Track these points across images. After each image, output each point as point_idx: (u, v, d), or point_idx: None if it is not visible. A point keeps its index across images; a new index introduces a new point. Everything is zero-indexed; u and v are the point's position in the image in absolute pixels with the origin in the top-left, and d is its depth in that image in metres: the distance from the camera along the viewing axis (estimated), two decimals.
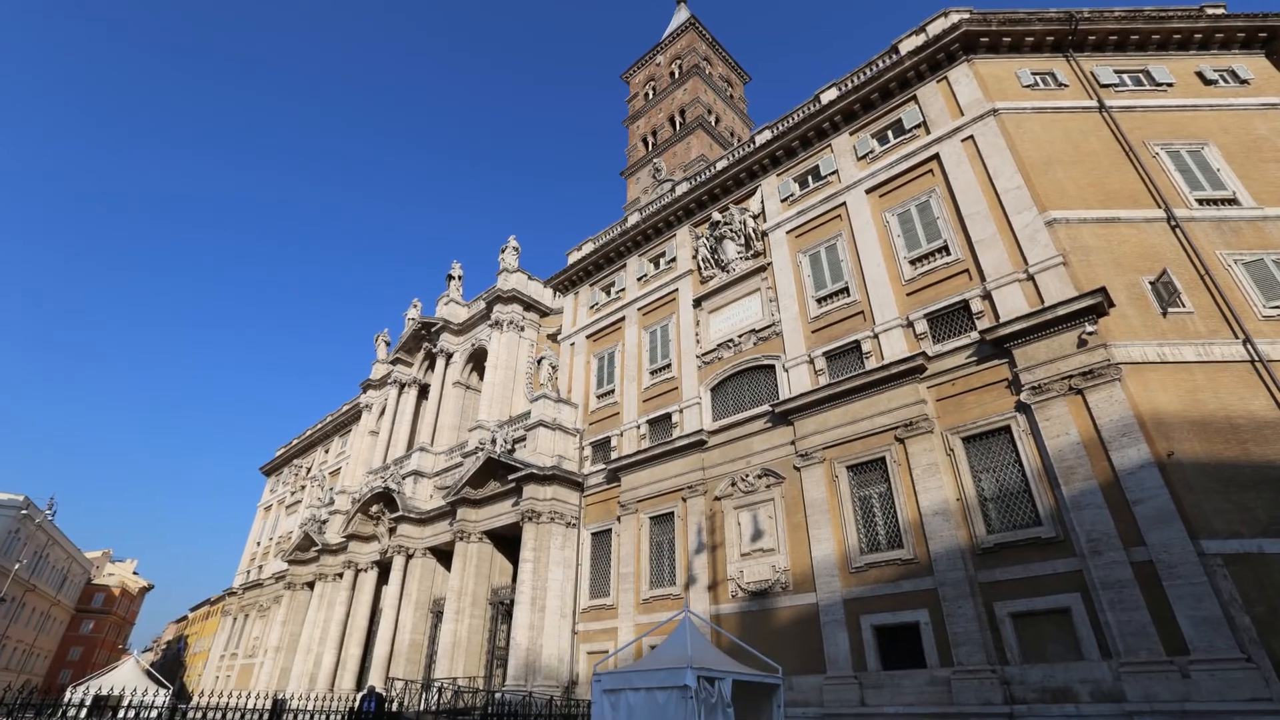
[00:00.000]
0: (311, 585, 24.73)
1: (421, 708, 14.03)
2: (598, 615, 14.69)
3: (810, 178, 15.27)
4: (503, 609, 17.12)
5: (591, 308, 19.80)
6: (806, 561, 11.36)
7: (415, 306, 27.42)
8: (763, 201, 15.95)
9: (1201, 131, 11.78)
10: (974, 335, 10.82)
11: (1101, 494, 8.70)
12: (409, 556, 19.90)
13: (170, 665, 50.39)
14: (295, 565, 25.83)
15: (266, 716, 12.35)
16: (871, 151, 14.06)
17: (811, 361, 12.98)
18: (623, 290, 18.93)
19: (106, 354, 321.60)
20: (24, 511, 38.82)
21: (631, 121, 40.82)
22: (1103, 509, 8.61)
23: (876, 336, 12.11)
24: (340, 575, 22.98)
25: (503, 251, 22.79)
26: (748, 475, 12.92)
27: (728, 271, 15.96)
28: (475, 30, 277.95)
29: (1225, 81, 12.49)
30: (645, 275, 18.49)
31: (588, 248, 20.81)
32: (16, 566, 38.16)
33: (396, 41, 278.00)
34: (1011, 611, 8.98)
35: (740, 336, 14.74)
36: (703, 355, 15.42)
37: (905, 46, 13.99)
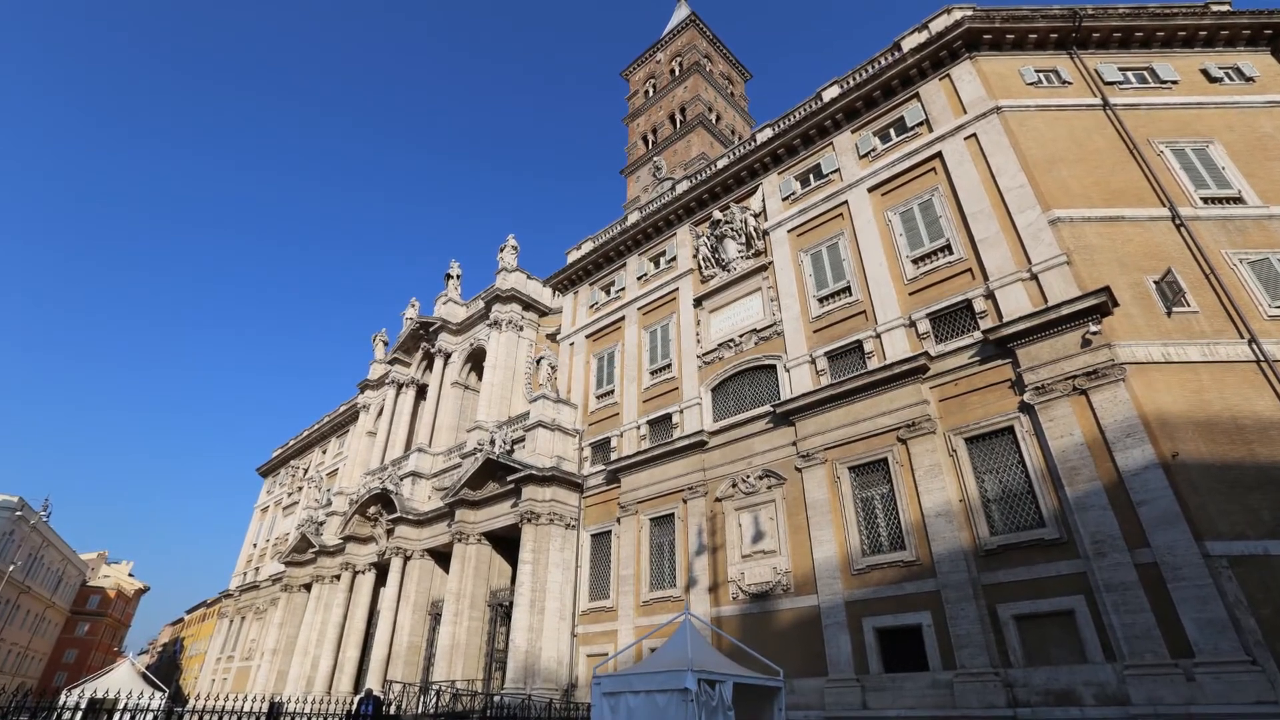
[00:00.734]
0: (309, 587, 24.55)
1: (419, 711, 13.93)
2: (597, 617, 14.58)
3: (812, 176, 15.17)
4: (501, 611, 17.01)
5: (591, 307, 19.68)
6: (808, 563, 11.28)
7: (413, 306, 27.26)
8: (764, 200, 15.85)
9: (1206, 129, 11.72)
10: (977, 335, 10.75)
11: (1105, 495, 8.64)
12: (407, 558, 19.77)
13: (166, 668, 50.19)
14: (292, 567, 25.66)
15: None
16: (874, 149, 13.98)
17: (813, 361, 12.89)
18: (623, 289, 18.82)
19: (102, 354, 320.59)
20: (18, 513, 38.58)
21: (631, 119, 40.65)
22: (1107, 510, 8.56)
23: (878, 336, 12.02)
24: (338, 577, 22.82)
25: (501, 250, 22.65)
26: (749, 476, 12.83)
27: (728, 271, 15.86)
28: (473, 28, 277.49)
29: (1230, 79, 12.43)
30: (645, 274, 18.38)
31: (587, 246, 20.69)
32: (11, 568, 37.92)
33: (394, 39, 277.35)
34: (1015, 614, 8.92)
35: (741, 336, 14.65)
36: (703, 355, 15.32)
37: (908, 44, 13.91)
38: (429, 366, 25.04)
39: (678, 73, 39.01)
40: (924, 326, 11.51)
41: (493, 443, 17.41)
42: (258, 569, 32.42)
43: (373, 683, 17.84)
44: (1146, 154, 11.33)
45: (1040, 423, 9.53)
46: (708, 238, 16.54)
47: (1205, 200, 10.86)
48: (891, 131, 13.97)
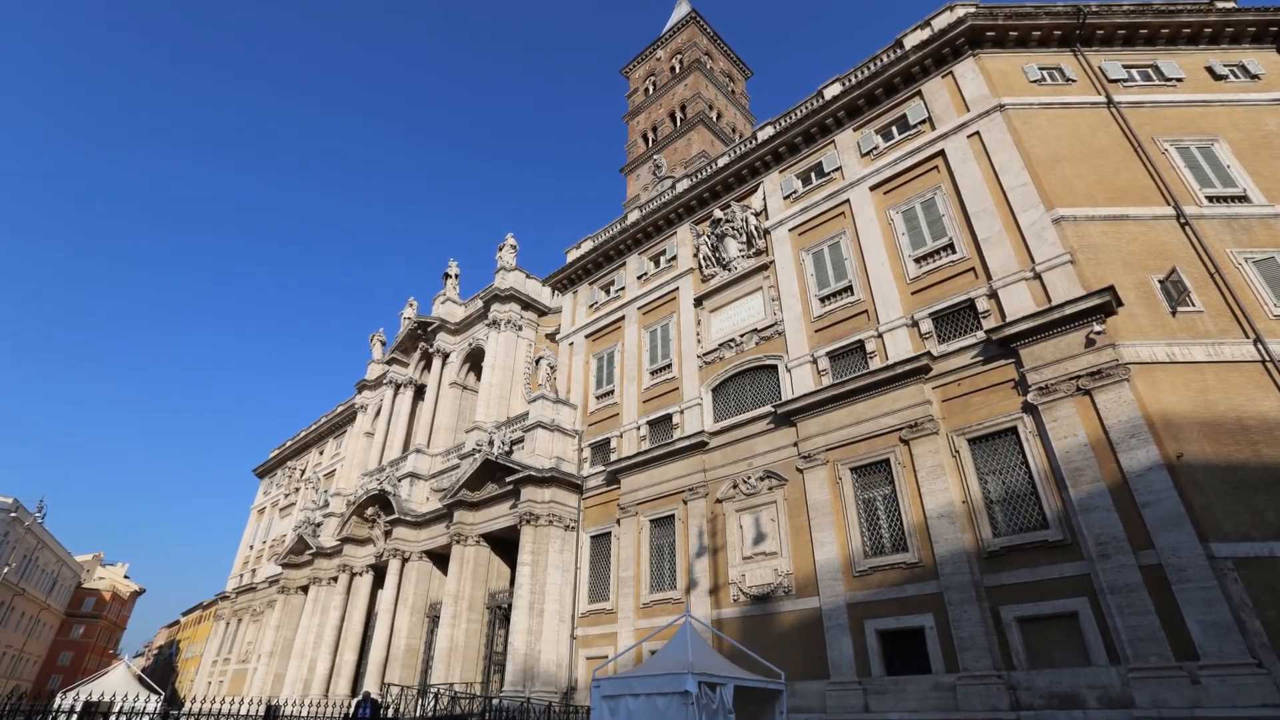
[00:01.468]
0: (306, 589, 24.40)
1: (418, 713, 13.84)
2: (597, 620, 14.49)
3: (813, 174, 15.08)
4: (500, 613, 16.90)
5: (591, 307, 19.56)
6: (809, 565, 11.20)
7: (411, 306, 27.10)
8: (765, 199, 15.75)
9: (1211, 127, 11.65)
10: (980, 335, 10.68)
11: (1110, 496, 8.58)
12: (405, 560, 19.64)
13: (162, 671, 49.92)
14: (289, 569, 25.53)
15: None
16: (876, 148, 13.89)
17: (814, 361, 12.81)
18: (622, 289, 18.71)
19: (97, 353, 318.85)
20: (13, 514, 38.29)
21: (631, 117, 40.49)
22: (1111, 511, 8.50)
23: (881, 336, 11.94)
24: (335, 579, 22.68)
25: (500, 249, 22.51)
26: (749, 477, 12.74)
27: (729, 270, 15.76)
28: (471, 25, 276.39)
29: (1235, 77, 12.37)
30: (645, 274, 18.26)
31: (587, 245, 20.56)
32: (5, 570, 37.65)
33: (394, 38, 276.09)
34: (1018, 616, 8.86)
35: (742, 336, 14.55)
36: (704, 355, 15.22)
37: (910, 41, 13.82)
38: (427, 366, 24.90)
39: (678, 70, 38.86)
40: (926, 326, 11.44)
41: (491, 443, 17.29)
42: (254, 571, 32.24)
43: (370, 685, 17.70)
44: (1151, 152, 11.27)
45: (1044, 423, 9.47)
46: (708, 237, 16.43)
47: (1210, 199, 10.79)
48: (894, 129, 13.88)
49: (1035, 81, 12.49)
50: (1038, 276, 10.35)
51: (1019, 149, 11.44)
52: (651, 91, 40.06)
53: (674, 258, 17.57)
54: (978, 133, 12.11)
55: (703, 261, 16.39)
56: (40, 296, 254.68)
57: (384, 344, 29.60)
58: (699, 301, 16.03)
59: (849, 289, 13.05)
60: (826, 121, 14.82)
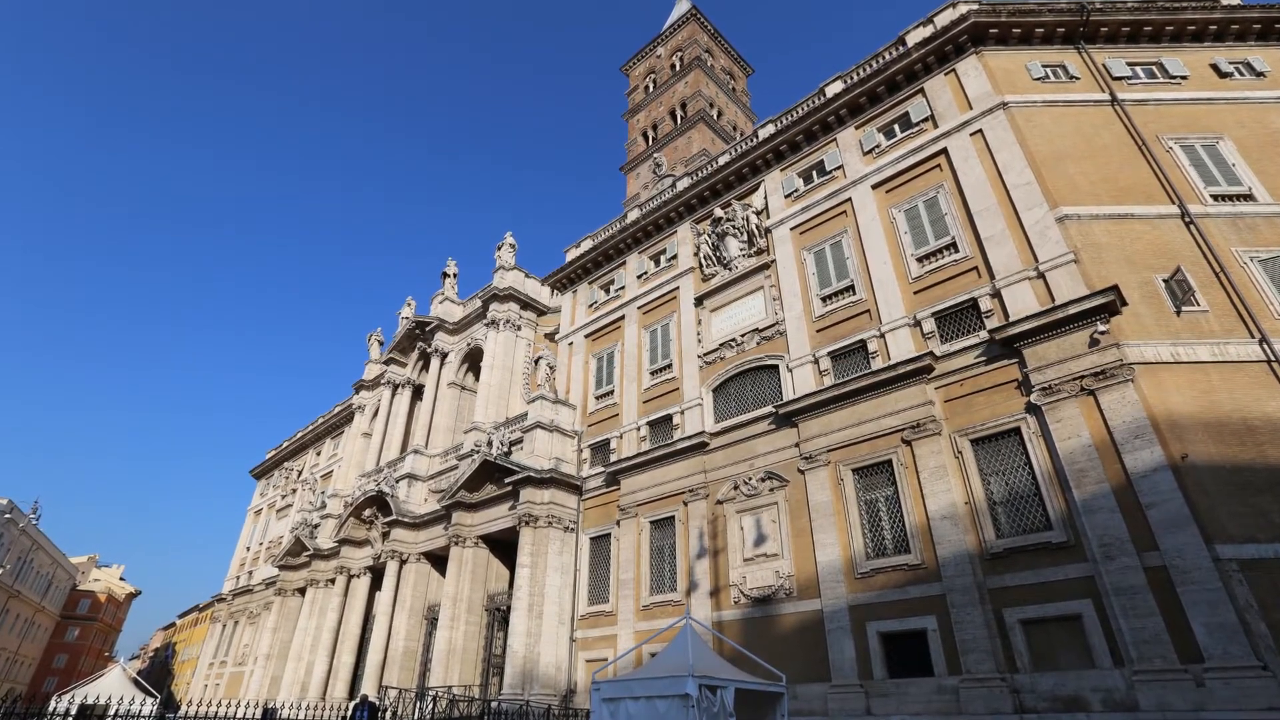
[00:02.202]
0: (303, 591, 24.27)
1: (416, 716, 13.70)
2: (596, 622, 14.39)
3: (815, 173, 14.97)
4: (499, 616, 16.79)
5: (590, 306, 19.43)
6: (811, 567, 11.12)
7: (409, 305, 26.94)
8: (766, 197, 15.64)
9: (1217, 125, 11.57)
10: (983, 334, 10.60)
11: (1114, 497, 8.51)
12: (403, 562, 19.51)
13: (158, 673, 49.68)
14: (286, 571, 25.38)
15: None
16: (878, 146, 13.79)
17: (816, 361, 12.71)
18: (622, 288, 18.59)
19: (92, 353, 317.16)
20: (7, 515, 37.99)
21: (631, 115, 40.29)
22: (1115, 513, 8.43)
23: (883, 336, 11.85)
24: (332, 581, 22.54)
25: (499, 248, 22.37)
26: (750, 478, 12.65)
27: (730, 269, 15.65)
28: (470, 22, 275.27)
29: (1241, 74, 12.29)
30: (645, 273, 18.14)
31: (586, 244, 20.42)
32: (0, 572, 37.29)
33: (392, 34, 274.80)
34: (1021, 618, 8.79)
35: (743, 336, 14.45)
36: (704, 355, 15.12)
37: (912, 38, 13.72)
38: (425, 367, 24.75)
39: (678, 67, 38.65)
40: (929, 326, 11.35)
41: (490, 444, 17.15)
42: (251, 573, 32.06)
43: (368, 688, 17.57)
44: (1155, 150, 11.18)
45: (1047, 424, 9.39)
46: (709, 235, 16.31)
47: (1215, 197, 10.71)
48: (896, 127, 13.78)
49: (1039, 79, 12.41)
50: (1041, 276, 10.27)
51: (1022, 147, 11.35)
52: (652, 89, 39.85)
53: (674, 257, 17.46)
54: (980, 131, 12.02)
55: (703, 260, 16.29)
56: (32, 295, 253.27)
57: (382, 344, 29.42)
58: (699, 301, 15.92)
59: (851, 288, 12.96)
60: (828, 119, 14.72)
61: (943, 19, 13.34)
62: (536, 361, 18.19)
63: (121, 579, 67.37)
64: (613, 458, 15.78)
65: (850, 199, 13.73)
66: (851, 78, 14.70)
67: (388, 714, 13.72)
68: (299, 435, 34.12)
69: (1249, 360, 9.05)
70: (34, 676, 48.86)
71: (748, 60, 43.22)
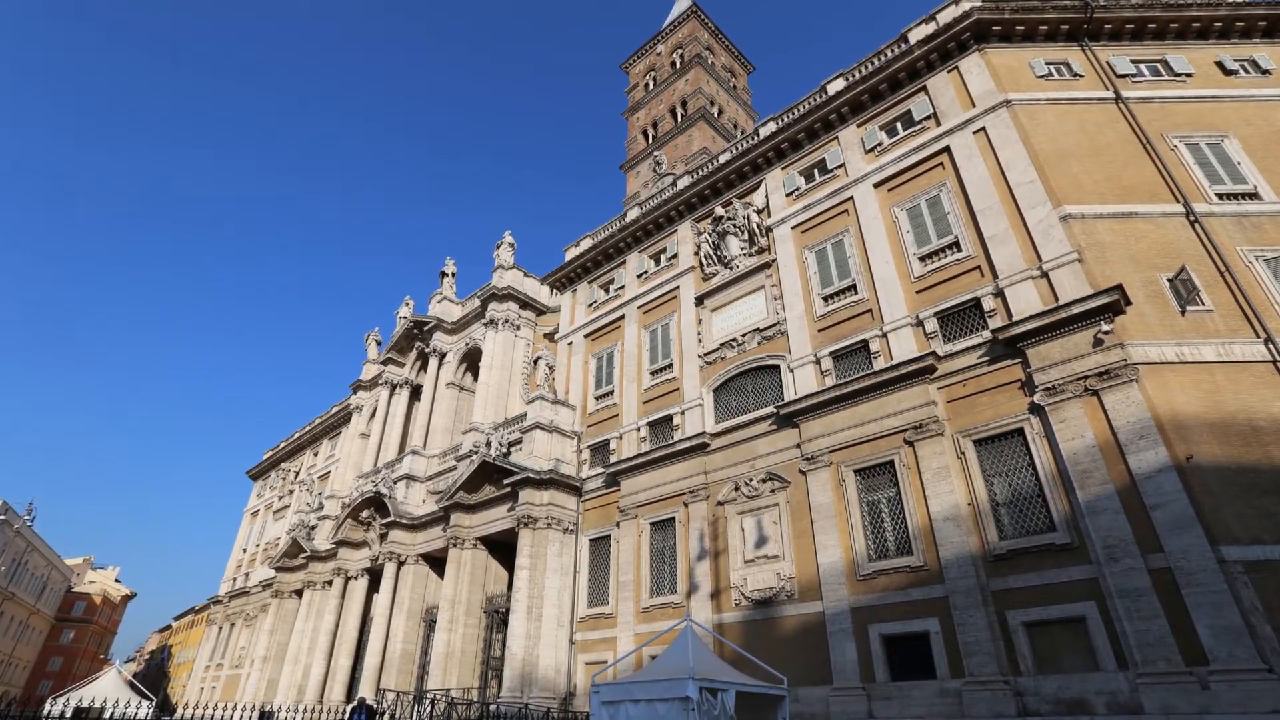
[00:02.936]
0: (300, 593, 24.13)
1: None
2: (596, 624, 14.29)
3: (816, 171, 14.88)
4: (498, 618, 16.68)
5: (590, 306, 19.31)
6: (812, 569, 11.04)
7: (407, 304, 26.78)
8: (767, 196, 15.54)
9: (1222, 123, 11.50)
10: (986, 334, 10.52)
11: (1118, 499, 8.46)
12: (401, 563, 19.38)
13: (153, 676, 49.35)
14: (283, 572, 25.23)
15: None
16: (880, 144, 13.70)
17: (817, 361, 12.63)
18: (622, 288, 18.48)
19: (88, 353, 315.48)
20: (2, 516, 37.71)
21: (631, 113, 40.08)
22: (1119, 514, 8.38)
23: (885, 336, 11.77)
24: (329, 583, 22.41)
25: (498, 247, 22.23)
26: (751, 479, 12.56)
27: (731, 268, 15.55)
28: (468, 19, 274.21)
29: (1246, 72, 12.20)
30: (645, 272, 18.04)
31: (586, 244, 20.30)
32: None
33: (390, 32, 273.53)
34: (1025, 620, 8.73)
35: (744, 336, 14.35)
36: (705, 355, 15.02)
37: (915, 35, 13.63)
38: (423, 367, 24.60)
39: (679, 65, 38.43)
40: (931, 326, 11.27)
41: (489, 445, 17.02)
42: (248, 574, 31.90)
43: (366, 691, 17.45)
44: (1160, 148, 11.11)
45: (1051, 424, 9.33)
46: (709, 234, 16.21)
47: (1220, 196, 10.64)
48: (898, 125, 13.69)
49: (1042, 77, 12.32)
50: (1045, 275, 10.20)
51: (1025, 145, 11.27)
52: (652, 87, 39.64)
53: (674, 256, 17.35)
54: (984, 129, 11.94)
55: (704, 260, 16.18)
56: (35, 295, 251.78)
57: (379, 344, 29.25)
58: (700, 300, 15.82)
59: (852, 288, 12.87)
60: (830, 117, 14.62)
61: (946, 16, 13.26)
62: (536, 361, 18.09)
63: (117, 581, 67.04)
64: (612, 458, 15.68)
65: (852, 197, 13.64)
66: (853, 75, 14.61)
67: (385, 717, 13.62)
68: (296, 436, 33.93)
69: (1254, 360, 8.99)
70: (29, 680, 48.59)
71: (749, 57, 42.89)
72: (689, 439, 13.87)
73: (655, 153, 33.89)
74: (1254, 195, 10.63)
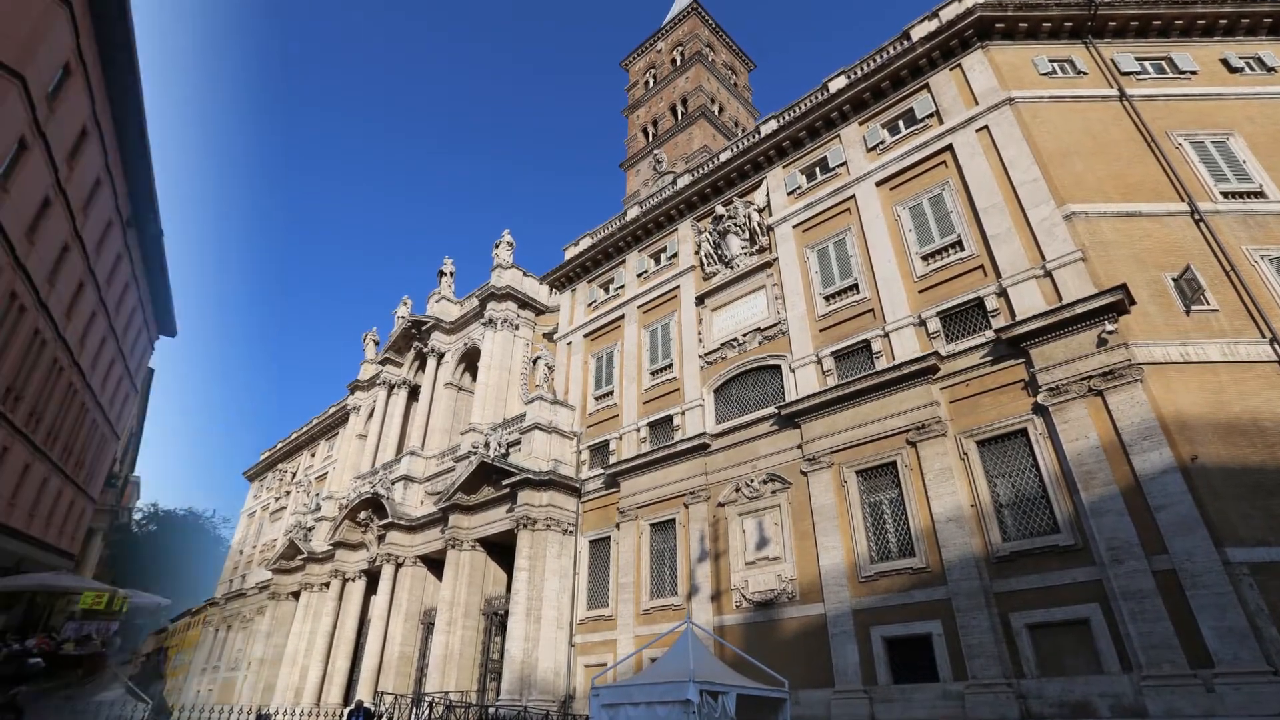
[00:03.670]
0: (297, 595, 23.96)
1: None
2: (596, 626, 14.19)
3: (818, 169, 14.78)
4: (497, 620, 16.55)
5: (589, 305, 19.19)
6: (814, 570, 10.96)
7: (405, 304, 26.63)
8: (768, 194, 15.44)
9: (1227, 121, 11.42)
10: (989, 334, 10.44)
11: (1122, 500, 8.39)
12: (398, 565, 19.24)
13: (149, 678, 48.99)
14: (280, 574, 25.06)
15: None
16: (882, 142, 13.60)
17: (819, 361, 12.54)
18: (622, 287, 18.36)
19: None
20: None
21: (631, 111, 39.88)
22: (1123, 515, 8.31)
23: (887, 335, 11.69)
24: (327, 585, 22.26)
25: (496, 247, 22.09)
26: (752, 480, 12.47)
27: (731, 268, 15.44)
28: (467, 16, 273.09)
29: (1251, 69, 12.12)
30: (645, 271, 17.92)
31: (585, 243, 20.18)
32: None
33: (390, 30, 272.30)
34: (1028, 623, 8.66)
35: (745, 335, 14.25)
36: (705, 355, 14.92)
37: (917, 32, 13.53)
38: (421, 367, 24.45)
39: (679, 63, 38.22)
40: (934, 325, 11.19)
41: (487, 445, 16.89)
42: (244, 576, 31.71)
43: (363, 694, 17.32)
44: (1164, 147, 11.03)
45: (1054, 425, 9.26)
46: (710, 233, 16.10)
47: (1225, 195, 10.56)
48: (900, 124, 13.60)
49: (1046, 74, 12.23)
50: (1048, 274, 10.12)
51: (1029, 143, 11.19)
52: (652, 85, 39.44)
53: (675, 255, 17.24)
54: (986, 127, 11.85)
55: (704, 259, 16.07)
56: None
57: (377, 344, 29.08)
58: (700, 300, 15.72)
59: (854, 287, 12.78)
60: (831, 115, 14.52)
61: (948, 13, 13.17)
62: (535, 361, 17.97)
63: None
64: (612, 459, 15.57)
65: (854, 196, 13.55)
66: (855, 73, 14.51)
67: (383, 719, 13.49)
68: (293, 436, 33.75)
69: (1260, 360, 8.92)
70: None
71: (749, 55, 42.63)
72: (689, 440, 13.77)
73: (655, 151, 33.79)
74: (1259, 194, 10.56)
